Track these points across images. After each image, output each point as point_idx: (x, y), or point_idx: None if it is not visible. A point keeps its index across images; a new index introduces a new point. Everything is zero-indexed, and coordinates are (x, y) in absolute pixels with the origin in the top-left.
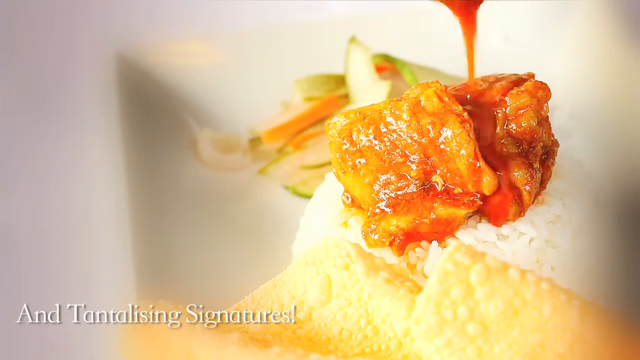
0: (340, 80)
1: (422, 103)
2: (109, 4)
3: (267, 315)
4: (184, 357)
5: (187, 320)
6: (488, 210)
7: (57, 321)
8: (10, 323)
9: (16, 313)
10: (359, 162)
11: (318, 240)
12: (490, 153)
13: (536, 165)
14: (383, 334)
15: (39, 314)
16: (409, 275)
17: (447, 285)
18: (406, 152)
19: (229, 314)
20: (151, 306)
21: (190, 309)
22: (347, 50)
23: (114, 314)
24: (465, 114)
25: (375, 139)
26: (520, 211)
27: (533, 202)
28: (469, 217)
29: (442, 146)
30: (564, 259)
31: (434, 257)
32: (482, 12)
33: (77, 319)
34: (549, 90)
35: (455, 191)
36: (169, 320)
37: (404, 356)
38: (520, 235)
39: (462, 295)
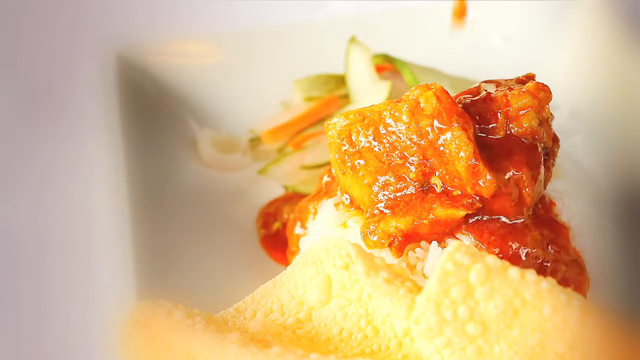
0: (340, 80)
1: (421, 105)
2: (109, 4)
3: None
4: (184, 357)
5: (187, 320)
6: (489, 211)
7: (58, 321)
8: (10, 323)
9: (16, 313)
10: (358, 163)
11: (318, 240)
12: (491, 154)
13: (538, 166)
14: (383, 334)
15: (39, 314)
16: (409, 275)
17: (447, 285)
18: (405, 153)
19: (229, 314)
20: (151, 306)
21: (190, 308)
22: (347, 50)
23: (114, 314)
24: (465, 115)
25: (375, 140)
26: (521, 212)
27: (534, 203)
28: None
29: (441, 148)
30: None
31: (434, 257)
32: (482, 12)
33: (77, 319)
34: (550, 92)
35: (455, 193)
36: (169, 320)
37: (404, 356)
38: None
39: (462, 295)
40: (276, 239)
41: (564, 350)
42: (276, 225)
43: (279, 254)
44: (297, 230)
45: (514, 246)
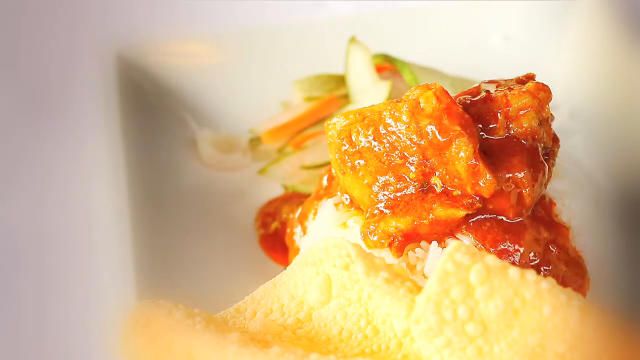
0: (340, 80)
1: (421, 105)
2: (109, 4)
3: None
4: (184, 357)
5: (187, 320)
6: (489, 211)
7: (58, 321)
8: (10, 323)
9: (16, 313)
10: (358, 163)
11: (318, 240)
12: (491, 155)
13: (539, 166)
14: (383, 334)
15: (39, 314)
16: (409, 275)
17: (447, 285)
18: (405, 153)
19: (229, 314)
20: (151, 306)
21: (190, 308)
22: (347, 50)
23: (114, 314)
24: (465, 116)
25: (375, 140)
26: (521, 212)
27: (534, 203)
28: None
29: None
30: None
31: (434, 257)
32: (482, 12)
33: (77, 319)
34: (550, 92)
35: (455, 193)
36: (169, 320)
37: (404, 356)
38: None
39: (462, 295)
40: (275, 239)
41: (564, 350)
42: (275, 225)
43: (278, 255)
44: (296, 237)
45: (514, 246)
